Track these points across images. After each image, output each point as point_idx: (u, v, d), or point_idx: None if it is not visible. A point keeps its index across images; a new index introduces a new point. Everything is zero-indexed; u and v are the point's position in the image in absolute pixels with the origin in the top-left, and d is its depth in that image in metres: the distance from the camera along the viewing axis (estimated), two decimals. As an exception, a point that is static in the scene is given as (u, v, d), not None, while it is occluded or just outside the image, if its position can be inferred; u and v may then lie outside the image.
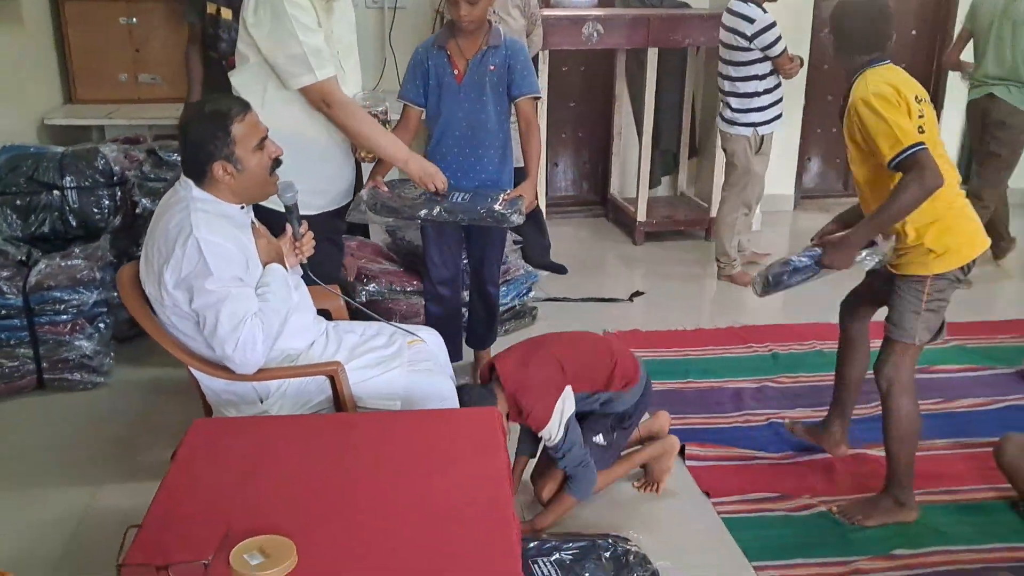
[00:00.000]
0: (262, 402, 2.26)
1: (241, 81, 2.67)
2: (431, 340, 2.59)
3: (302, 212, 2.48)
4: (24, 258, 3.50)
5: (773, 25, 4.23)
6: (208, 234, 2.13)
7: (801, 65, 4.41)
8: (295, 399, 2.26)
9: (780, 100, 4.44)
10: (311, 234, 2.49)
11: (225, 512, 1.63)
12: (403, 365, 2.38)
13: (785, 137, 5.21)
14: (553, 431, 2.41)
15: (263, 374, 2.20)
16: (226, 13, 3.70)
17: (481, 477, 1.75)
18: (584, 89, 5.63)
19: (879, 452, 2.99)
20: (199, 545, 1.51)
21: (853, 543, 2.58)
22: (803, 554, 2.55)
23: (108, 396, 3.40)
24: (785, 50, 4.29)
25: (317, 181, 2.69)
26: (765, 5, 4.24)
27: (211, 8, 3.65)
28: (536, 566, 2.20)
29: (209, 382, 2.26)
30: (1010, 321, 4.04)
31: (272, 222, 2.46)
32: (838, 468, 2.95)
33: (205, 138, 2.18)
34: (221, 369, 2.19)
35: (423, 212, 2.89)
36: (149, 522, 1.61)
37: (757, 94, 4.37)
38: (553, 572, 2.21)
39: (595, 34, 4.77)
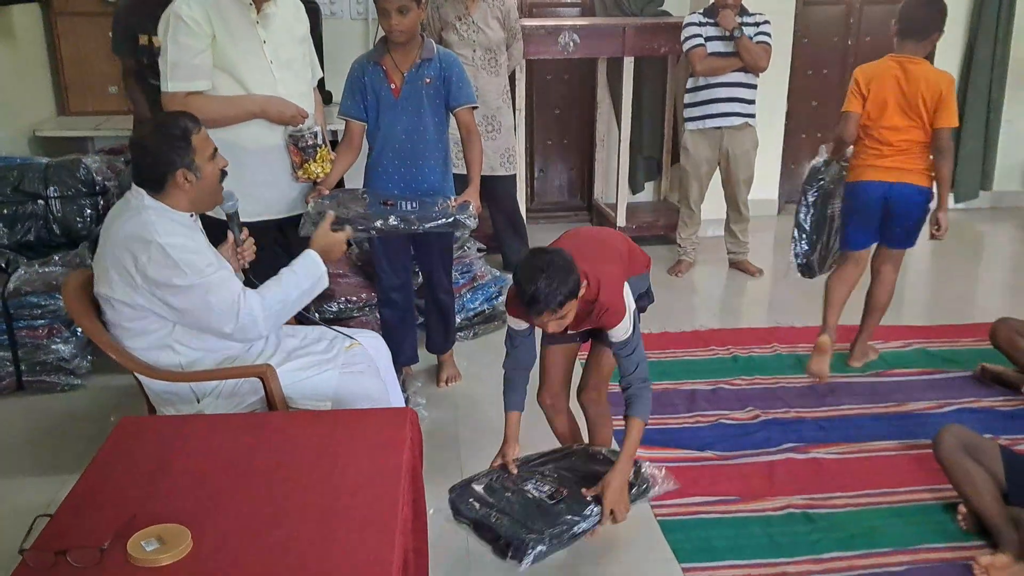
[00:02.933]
0: (199, 401, 2.38)
1: None
2: (370, 343, 2.69)
3: (245, 220, 2.60)
4: (4, 265, 3.64)
5: (688, 25, 4.50)
6: (168, 236, 2.24)
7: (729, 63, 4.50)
8: (229, 399, 2.37)
9: (704, 102, 4.57)
10: (252, 240, 2.60)
11: (132, 504, 1.74)
12: (337, 367, 2.48)
13: (768, 142, 5.26)
14: (627, 325, 2.39)
15: (195, 375, 2.31)
16: (157, 41, 3.79)
17: (376, 474, 1.84)
18: (567, 97, 5.72)
19: (820, 454, 3.08)
20: (100, 533, 1.62)
21: (783, 546, 2.63)
22: (733, 556, 2.60)
23: (84, 397, 3.54)
24: (696, 47, 4.45)
25: (250, 188, 2.80)
26: (721, 15, 4.38)
27: (143, 39, 3.64)
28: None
29: (149, 382, 2.37)
30: (974, 324, 4.07)
31: (214, 230, 2.58)
32: (779, 470, 3.00)
33: (167, 147, 2.28)
34: (157, 371, 2.31)
35: (378, 223, 2.96)
36: (60, 513, 1.72)
37: (687, 91, 4.63)
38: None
39: (571, 43, 4.86)
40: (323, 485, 1.80)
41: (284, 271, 2.45)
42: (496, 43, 4.39)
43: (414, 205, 3.05)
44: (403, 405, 2.77)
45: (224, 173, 2.43)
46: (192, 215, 2.41)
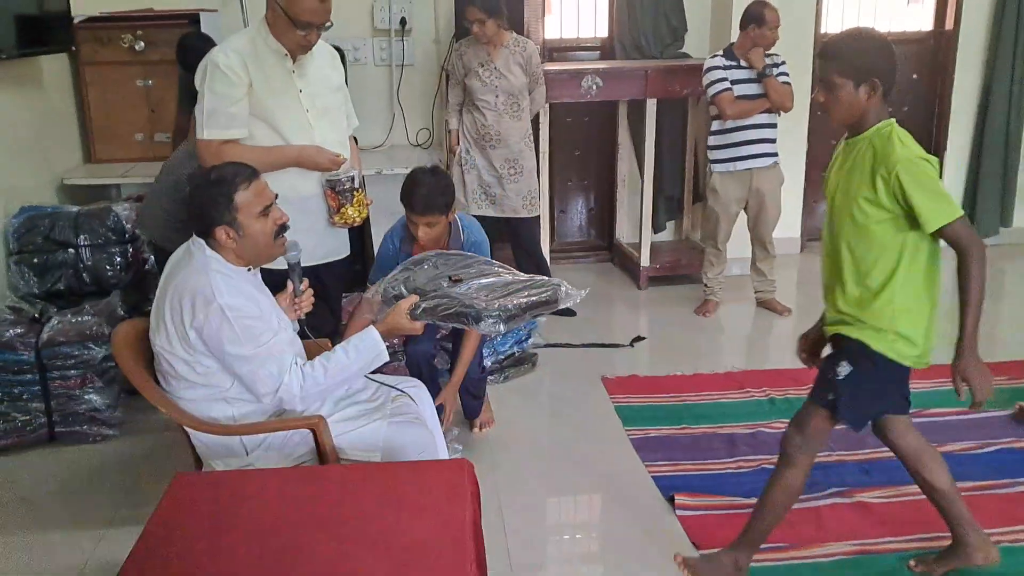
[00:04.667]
0: (248, 454, 2.35)
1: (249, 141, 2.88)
2: (415, 393, 2.67)
3: (304, 264, 2.59)
4: (38, 315, 3.64)
5: (711, 69, 4.49)
6: (230, 298, 2.23)
7: (761, 108, 4.50)
8: (279, 451, 2.34)
9: (733, 144, 4.55)
10: (310, 292, 2.59)
11: (196, 563, 1.71)
12: (384, 417, 2.46)
13: (790, 180, 5.26)
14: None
15: (245, 428, 2.29)
16: None
17: (444, 528, 1.81)
18: (588, 138, 5.75)
19: (866, 498, 3.03)
20: (168, 595, 1.59)
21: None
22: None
23: (118, 448, 3.51)
24: (723, 91, 4.44)
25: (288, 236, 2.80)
26: (751, 53, 4.39)
27: None
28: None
29: (197, 435, 2.35)
30: (1008, 363, 4.04)
31: (272, 280, 2.57)
32: (826, 515, 2.96)
33: (207, 204, 2.28)
34: (207, 424, 2.29)
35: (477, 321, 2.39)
36: (124, 574, 1.70)
37: (712, 133, 4.63)
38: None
39: (594, 87, 4.89)
40: (388, 541, 1.77)
41: (338, 349, 2.39)
42: (519, 88, 4.45)
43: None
44: (448, 454, 2.74)
45: (285, 227, 2.41)
46: (249, 268, 2.39)
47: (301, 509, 1.90)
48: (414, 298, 2.42)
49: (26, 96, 4.35)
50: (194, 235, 2.34)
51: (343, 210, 3.01)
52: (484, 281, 2.47)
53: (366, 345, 2.39)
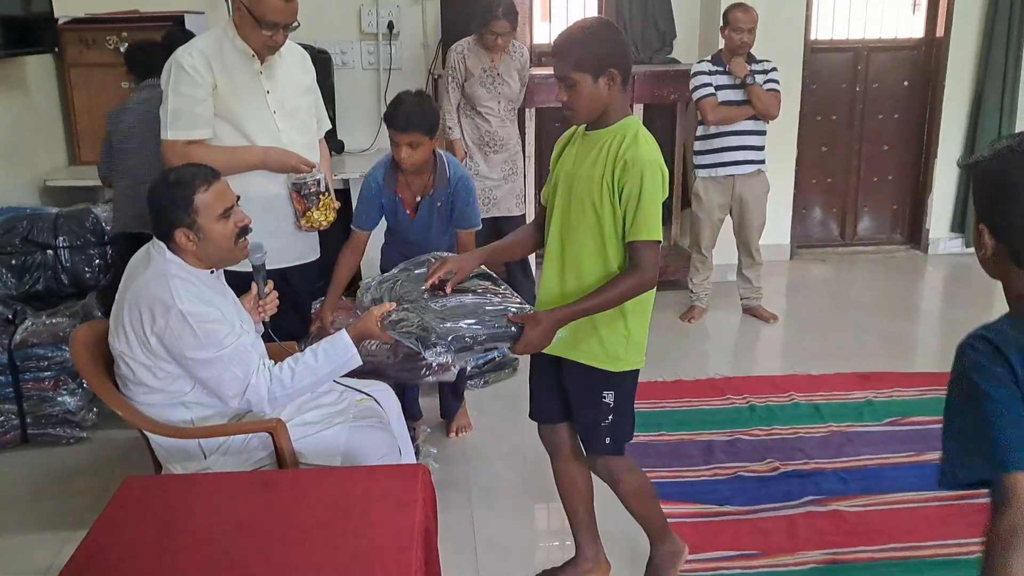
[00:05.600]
0: (206, 457, 2.32)
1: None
2: (381, 396, 2.64)
3: (270, 266, 2.56)
4: (11, 316, 3.61)
5: (696, 74, 4.49)
6: (189, 304, 2.20)
7: (740, 114, 4.47)
8: (238, 455, 2.31)
9: (716, 150, 4.54)
10: (275, 295, 2.57)
11: (138, 568, 1.69)
12: (346, 421, 2.43)
13: (778, 187, 5.24)
14: None
15: (202, 431, 2.26)
16: None
17: (393, 535, 1.78)
18: (577, 143, 5.71)
19: (841, 507, 2.99)
20: (103, 601, 1.56)
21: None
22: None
23: (89, 450, 3.48)
24: (707, 96, 4.43)
25: (254, 238, 2.77)
26: (732, 62, 4.37)
27: None
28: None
29: (156, 438, 2.32)
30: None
31: (239, 282, 2.54)
32: (800, 524, 2.92)
33: (167, 206, 2.25)
34: (164, 427, 2.26)
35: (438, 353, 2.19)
36: (61, 579, 1.67)
37: (696, 139, 4.62)
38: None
39: (581, 91, 4.86)
40: (335, 548, 1.74)
41: (307, 352, 2.35)
42: (516, 94, 4.44)
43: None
44: (414, 460, 2.70)
45: (246, 229, 2.38)
46: (212, 271, 2.37)
47: (250, 515, 1.88)
48: (389, 306, 2.34)
49: (10, 97, 4.35)
50: (154, 237, 2.32)
51: (309, 214, 2.98)
52: (467, 300, 2.26)
53: (336, 349, 2.36)
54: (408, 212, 3.18)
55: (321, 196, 2.95)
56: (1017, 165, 1.41)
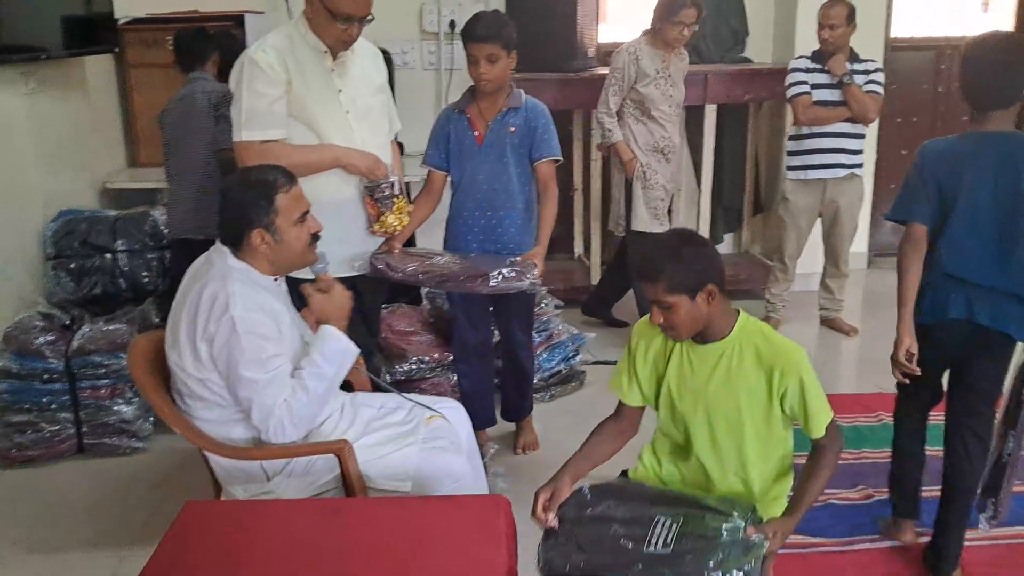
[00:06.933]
0: (269, 479, 2.18)
1: None
2: (452, 415, 2.47)
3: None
4: (69, 322, 3.54)
5: (792, 70, 4.24)
6: (244, 311, 2.08)
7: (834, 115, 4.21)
8: (302, 478, 2.17)
9: (807, 152, 4.27)
10: None
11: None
12: (417, 443, 2.27)
13: (856, 192, 4.98)
14: None
15: (264, 452, 2.12)
16: None
17: (476, 573, 1.61)
18: (643, 146, 5.51)
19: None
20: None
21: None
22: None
23: (146, 461, 3.38)
24: (800, 95, 4.19)
25: (322, 244, 2.63)
26: (832, 60, 4.12)
27: None
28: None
29: (216, 458, 2.19)
30: None
31: (296, 291, 2.41)
32: (901, 559, 2.69)
33: (247, 204, 2.15)
34: (224, 447, 2.12)
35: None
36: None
37: (789, 139, 4.40)
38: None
39: (652, 92, 4.66)
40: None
41: (305, 363, 2.20)
42: (682, 99, 4.17)
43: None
44: (486, 485, 2.53)
45: (317, 236, 2.28)
46: (276, 278, 2.24)
47: (317, 547, 1.72)
48: (326, 277, 2.36)
49: (70, 98, 4.28)
50: (217, 242, 2.19)
51: (383, 218, 2.82)
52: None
53: (325, 347, 2.22)
54: (476, 136, 2.98)
55: (396, 199, 2.80)
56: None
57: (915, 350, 2.43)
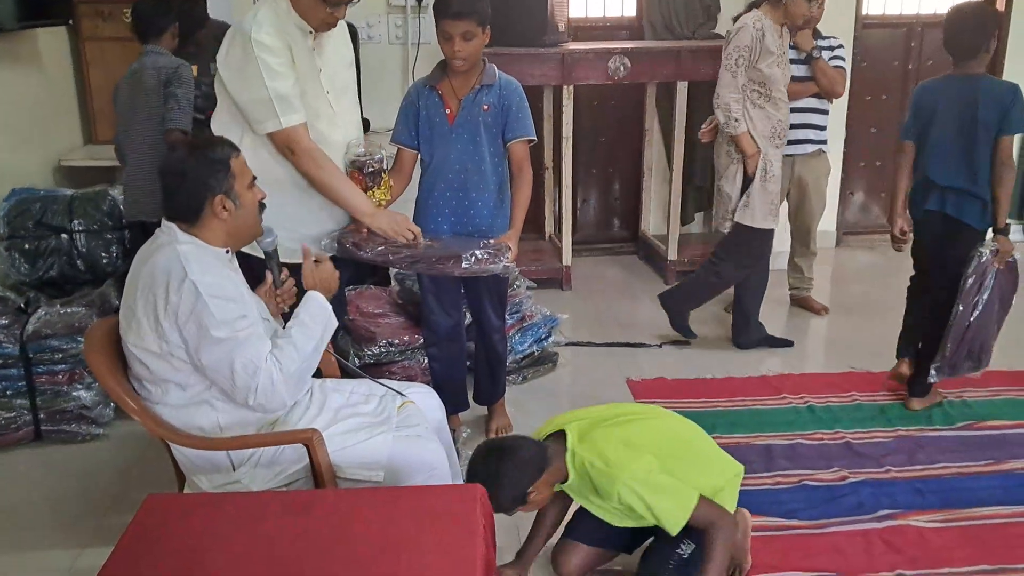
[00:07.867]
0: (235, 469, 2.10)
1: (220, 124, 2.55)
2: (424, 401, 2.41)
3: (284, 260, 2.34)
4: (24, 304, 3.41)
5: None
6: (201, 275, 2.00)
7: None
8: (269, 468, 2.09)
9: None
10: (292, 282, 2.35)
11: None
12: (389, 430, 2.20)
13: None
14: None
15: (230, 442, 2.04)
16: (192, 69, 3.58)
17: (452, 567, 1.56)
18: (614, 124, 5.47)
19: (920, 522, 2.75)
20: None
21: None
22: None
23: (106, 448, 3.28)
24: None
25: (292, 225, 2.54)
26: (799, 35, 4.06)
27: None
28: None
29: (179, 447, 2.10)
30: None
31: (252, 268, 2.33)
32: (877, 541, 2.68)
33: (206, 172, 2.06)
34: (188, 436, 2.04)
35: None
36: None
37: None
38: None
39: (621, 68, 4.60)
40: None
41: (293, 324, 2.16)
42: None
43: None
44: (460, 473, 2.46)
45: (263, 205, 2.20)
46: (228, 251, 2.16)
47: (283, 542, 1.66)
48: (318, 254, 2.43)
49: (22, 72, 4.13)
50: (163, 220, 2.11)
51: (370, 193, 2.73)
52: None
53: (312, 309, 2.22)
54: (447, 113, 2.86)
55: (384, 175, 2.71)
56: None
57: (908, 228, 3.42)
